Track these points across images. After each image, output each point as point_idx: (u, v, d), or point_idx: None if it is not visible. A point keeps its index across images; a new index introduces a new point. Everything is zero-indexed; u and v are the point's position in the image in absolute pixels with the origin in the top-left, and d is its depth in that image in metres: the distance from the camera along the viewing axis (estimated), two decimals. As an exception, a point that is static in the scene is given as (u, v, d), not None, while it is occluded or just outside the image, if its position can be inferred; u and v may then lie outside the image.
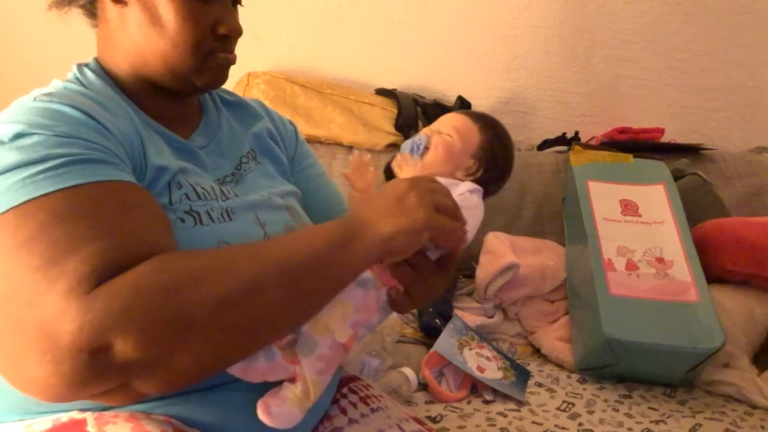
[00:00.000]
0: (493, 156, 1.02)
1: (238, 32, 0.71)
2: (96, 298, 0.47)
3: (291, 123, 0.91)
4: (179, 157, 0.68)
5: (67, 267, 0.48)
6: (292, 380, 0.59)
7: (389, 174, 1.12)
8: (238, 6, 0.75)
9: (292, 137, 0.89)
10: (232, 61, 0.72)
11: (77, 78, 0.68)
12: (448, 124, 1.02)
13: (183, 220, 0.61)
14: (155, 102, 0.70)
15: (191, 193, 0.64)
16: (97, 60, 0.71)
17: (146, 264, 0.50)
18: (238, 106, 0.85)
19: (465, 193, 0.93)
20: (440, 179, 0.82)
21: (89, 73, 0.69)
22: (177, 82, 0.69)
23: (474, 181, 0.99)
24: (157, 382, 0.51)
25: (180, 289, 0.50)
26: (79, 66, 0.70)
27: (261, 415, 0.57)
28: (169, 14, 0.66)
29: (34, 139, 0.54)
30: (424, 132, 1.03)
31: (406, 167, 0.94)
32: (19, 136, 0.54)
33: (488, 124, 1.05)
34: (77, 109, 0.58)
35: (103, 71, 0.70)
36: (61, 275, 0.47)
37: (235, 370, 0.57)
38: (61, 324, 0.46)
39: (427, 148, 0.98)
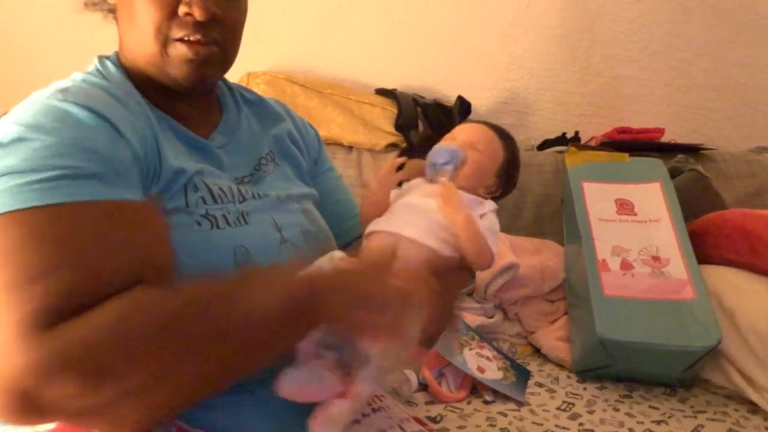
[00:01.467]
0: (510, 175, 0.98)
1: (202, 13, 0.62)
2: (45, 339, 0.45)
3: (312, 127, 0.91)
4: (196, 157, 0.67)
5: (28, 296, 0.46)
6: (340, 395, 0.58)
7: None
8: None
9: (315, 140, 0.89)
10: (202, 53, 0.65)
11: (98, 70, 0.67)
12: (476, 137, 0.96)
13: (200, 224, 0.61)
14: (166, 100, 0.68)
15: (207, 196, 0.63)
16: (116, 54, 0.71)
17: (107, 308, 0.48)
18: (258, 105, 0.83)
19: (489, 213, 0.87)
20: (465, 195, 0.79)
21: (110, 65, 0.68)
22: (160, 76, 0.67)
23: (492, 198, 0.94)
24: (105, 426, 0.49)
25: (138, 343, 0.48)
26: (101, 58, 0.69)
27: None
28: None
29: (35, 144, 0.52)
30: (457, 144, 0.95)
31: (456, 203, 0.80)
32: (19, 140, 0.53)
33: (509, 140, 1.00)
34: (89, 109, 0.57)
35: (121, 65, 0.69)
36: (19, 304, 0.46)
37: (285, 393, 0.56)
38: (4, 356, 0.45)
39: (464, 162, 0.88)
